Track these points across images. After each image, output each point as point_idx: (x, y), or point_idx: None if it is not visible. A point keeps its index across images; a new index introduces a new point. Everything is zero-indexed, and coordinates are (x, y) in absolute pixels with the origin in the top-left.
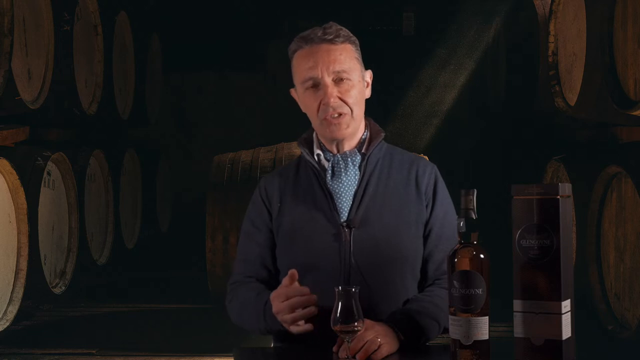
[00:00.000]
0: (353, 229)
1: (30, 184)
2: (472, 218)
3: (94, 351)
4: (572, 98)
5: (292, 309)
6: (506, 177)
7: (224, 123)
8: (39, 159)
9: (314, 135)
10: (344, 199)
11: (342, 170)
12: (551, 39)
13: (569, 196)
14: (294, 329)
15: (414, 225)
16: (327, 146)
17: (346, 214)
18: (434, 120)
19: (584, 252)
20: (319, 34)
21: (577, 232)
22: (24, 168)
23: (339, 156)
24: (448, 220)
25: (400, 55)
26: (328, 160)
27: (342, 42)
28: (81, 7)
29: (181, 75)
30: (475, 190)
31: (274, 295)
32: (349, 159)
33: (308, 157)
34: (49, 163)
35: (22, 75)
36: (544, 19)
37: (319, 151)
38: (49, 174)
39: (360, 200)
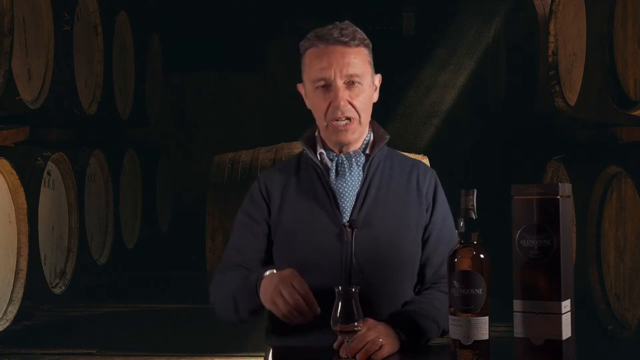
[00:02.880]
0: (355, 229)
1: (30, 184)
2: (472, 218)
3: (94, 351)
4: (572, 98)
5: (296, 308)
6: (506, 177)
7: (224, 123)
8: (39, 159)
9: (317, 133)
10: (347, 199)
11: (347, 170)
12: (551, 39)
13: (569, 196)
14: (282, 314)
15: (414, 229)
16: (331, 146)
17: (349, 214)
18: (434, 120)
19: (584, 252)
20: (335, 35)
21: (577, 232)
22: (24, 168)
23: (343, 156)
24: (447, 225)
25: (400, 55)
26: (331, 160)
27: (357, 45)
28: (81, 7)
29: (181, 75)
30: (475, 190)
31: (294, 275)
32: (353, 159)
33: (311, 156)
34: (49, 163)
35: (22, 75)
36: (544, 19)
37: (322, 150)
38: (49, 174)
39: (363, 201)
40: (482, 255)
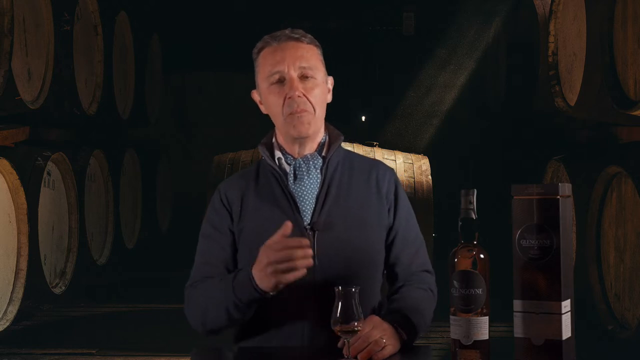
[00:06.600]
0: (317, 231)
1: (30, 184)
2: (472, 218)
3: (94, 351)
4: (572, 98)
5: (289, 259)
6: (506, 177)
7: (224, 123)
8: (39, 159)
9: (274, 139)
10: (307, 202)
11: (305, 173)
12: (551, 39)
13: (569, 196)
14: (289, 276)
15: (377, 228)
16: (288, 149)
17: (309, 218)
18: (434, 120)
19: (584, 252)
20: (287, 33)
21: (577, 232)
22: (24, 168)
23: (300, 160)
24: (411, 223)
25: (400, 55)
26: (289, 164)
27: (309, 42)
28: (81, 7)
29: (181, 75)
30: (475, 190)
31: (269, 244)
32: (311, 162)
33: (269, 161)
34: (49, 163)
35: (22, 75)
36: (544, 19)
37: (279, 155)
38: (49, 174)
39: (323, 203)
40: (482, 255)
